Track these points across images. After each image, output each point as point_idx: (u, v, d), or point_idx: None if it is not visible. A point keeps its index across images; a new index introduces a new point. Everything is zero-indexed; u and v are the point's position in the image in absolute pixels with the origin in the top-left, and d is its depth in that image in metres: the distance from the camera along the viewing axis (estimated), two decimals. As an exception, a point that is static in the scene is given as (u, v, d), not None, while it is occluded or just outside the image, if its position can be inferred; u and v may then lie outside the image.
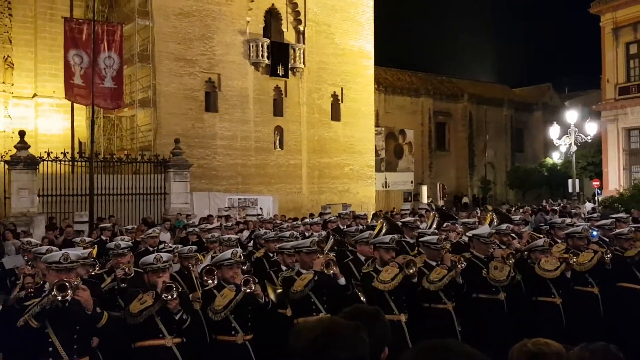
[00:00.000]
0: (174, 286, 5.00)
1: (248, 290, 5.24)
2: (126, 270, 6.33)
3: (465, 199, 38.49)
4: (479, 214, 15.48)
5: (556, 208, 21.83)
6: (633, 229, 8.02)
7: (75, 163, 19.77)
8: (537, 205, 26.30)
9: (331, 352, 1.83)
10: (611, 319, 7.01)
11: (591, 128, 24.02)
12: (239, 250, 6.11)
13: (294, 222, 13.47)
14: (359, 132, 29.63)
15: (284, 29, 27.36)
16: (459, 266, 6.19)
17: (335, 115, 28.91)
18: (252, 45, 25.96)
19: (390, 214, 19.79)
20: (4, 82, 23.99)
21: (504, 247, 7.61)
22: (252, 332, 5.49)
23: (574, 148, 23.43)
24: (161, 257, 5.41)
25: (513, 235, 8.60)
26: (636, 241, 7.64)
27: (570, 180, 25.16)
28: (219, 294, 5.39)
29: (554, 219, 10.77)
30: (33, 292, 4.85)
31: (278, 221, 14.07)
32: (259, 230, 11.57)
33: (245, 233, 13.63)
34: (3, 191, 18.10)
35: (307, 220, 13.72)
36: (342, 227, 12.04)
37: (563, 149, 25.40)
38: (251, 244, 11.25)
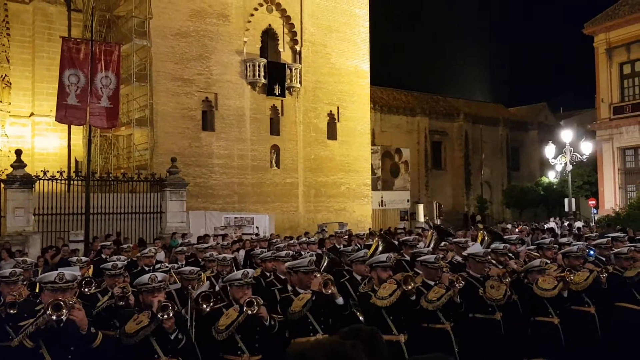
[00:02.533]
0: (169, 305, 4.97)
1: (250, 312, 5.20)
2: (123, 288, 6.27)
3: (478, 217, 38.43)
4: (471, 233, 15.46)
5: (552, 226, 21.84)
6: (633, 248, 8.01)
7: (72, 182, 19.75)
8: (537, 223, 26.28)
9: None
10: (609, 339, 6.98)
11: (586, 147, 24.17)
12: (251, 271, 6.07)
13: (290, 241, 13.43)
14: (355, 150, 29.73)
15: (281, 49, 27.61)
16: (457, 285, 6.17)
17: (332, 134, 29.04)
18: (249, 65, 26.16)
19: (386, 232, 19.77)
20: (1, 101, 24.07)
21: (501, 266, 7.58)
22: (259, 354, 5.42)
23: (569, 167, 23.55)
24: (156, 277, 5.37)
25: (510, 255, 8.58)
26: (636, 261, 7.63)
27: (566, 199, 25.22)
28: (224, 313, 5.36)
29: (542, 240, 10.73)
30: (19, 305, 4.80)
31: (274, 240, 14.01)
32: (256, 249, 11.52)
33: (242, 252, 13.58)
34: (-1, 210, 18.02)
35: (303, 239, 13.69)
36: (338, 246, 12.01)
37: (559, 168, 25.54)
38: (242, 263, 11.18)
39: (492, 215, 42.18)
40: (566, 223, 23.33)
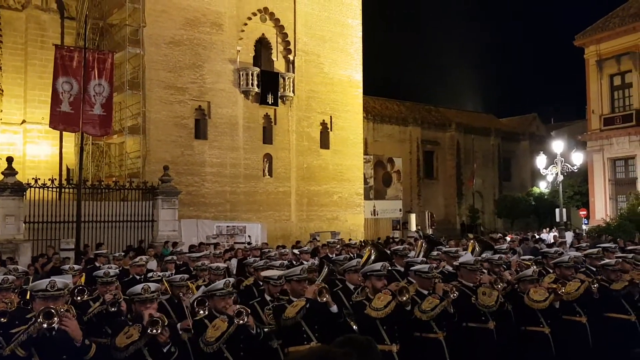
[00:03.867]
0: (159, 321, 4.92)
1: (241, 322, 5.20)
2: (115, 295, 6.25)
3: (480, 226, 38.55)
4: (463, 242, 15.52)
5: (543, 237, 21.94)
6: (620, 260, 8.08)
7: (63, 190, 19.64)
8: (530, 233, 26.40)
9: None
10: (599, 349, 7.02)
11: (577, 158, 24.36)
12: (232, 280, 6.08)
13: (283, 250, 13.41)
14: (348, 160, 29.80)
15: (274, 58, 27.70)
16: (452, 295, 6.19)
17: (325, 143, 29.10)
18: (242, 74, 26.22)
19: (380, 241, 19.79)
20: (-8, 108, 23.94)
21: (495, 276, 7.62)
22: None
23: (560, 178, 23.71)
24: (149, 287, 5.33)
25: (504, 266, 8.63)
26: (624, 273, 7.69)
27: (557, 210, 25.38)
28: (210, 324, 5.33)
29: (544, 249, 10.82)
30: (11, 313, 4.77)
31: (266, 249, 13.99)
32: (248, 258, 11.50)
33: (234, 261, 13.53)
34: (-11, 218, 17.85)
35: (304, 247, 13.67)
36: (330, 256, 12.01)
37: (550, 178, 25.69)
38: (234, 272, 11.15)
39: (483, 225, 42.33)
40: (570, 233, 23.43)
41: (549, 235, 24.81)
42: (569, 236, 22.55)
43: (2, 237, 16.92)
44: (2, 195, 17.21)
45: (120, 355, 4.85)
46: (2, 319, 5.24)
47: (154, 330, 4.82)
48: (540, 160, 24.64)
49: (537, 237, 22.36)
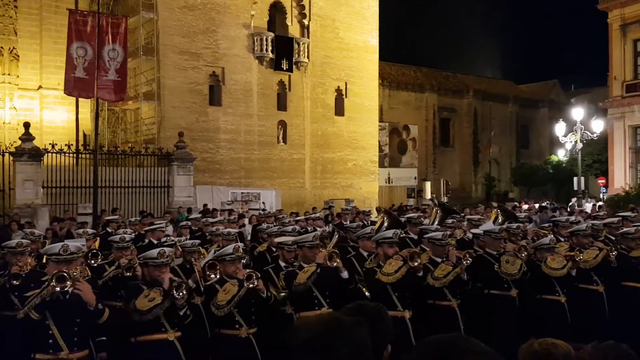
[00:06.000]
0: (183, 284, 4.98)
1: (251, 286, 5.22)
2: (130, 260, 6.30)
3: (511, 194, 38.20)
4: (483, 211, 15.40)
5: (564, 206, 21.52)
6: (640, 228, 7.92)
7: (80, 155, 19.77)
8: (547, 201, 26.00)
9: (332, 347, 1.78)
10: (616, 318, 6.95)
11: (597, 125, 23.85)
12: (241, 245, 6.09)
13: (296, 217, 13.42)
14: (363, 127, 29.53)
15: (289, 23, 27.25)
16: (464, 262, 6.14)
17: (339, 110, 28.82)
18: (257, 39, 25.87)
19: (395, 209, 19.73)
20: (9, 74, 23.98)
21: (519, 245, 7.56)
22: (255, 326, 5.48)
23: (579, 145, 23.28)
24: (165, 252, 5.36)
25: (522, 235, 8.54)
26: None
27: (575, 178, 25.02)
28: (221, 288, 5.36)
29: (558, 217, 10.68)
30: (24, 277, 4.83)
31: (280, 216, 14.02)
32: (261, 224, 11.53)
33: (249, 227, 13.60)
34: (8, 182, 18.12)
35: (309, 215, 13.67)
36: (344, 223, 11.98)
37: (569, 146, 25.22)
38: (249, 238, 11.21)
39: (499, 193, 42.03)
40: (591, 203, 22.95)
41: (588, 205, 23.66)
42: (588, 206, 22.22)
43: (21, 202, 17.18)
44: (20, 160, 17.40)
45: (143, 318, 4.90)
46: (15, 282, 5.31)
47: (180, 294, 4.86)
48: (559, 128, 24.17)
49: (571, 204, 21.60)
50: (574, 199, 25.82)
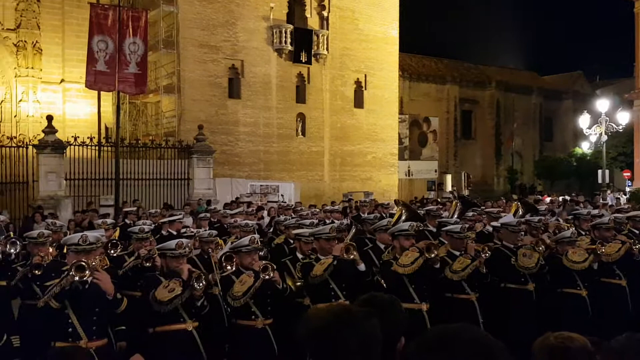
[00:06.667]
0: (202, 275, 5.03)
1: (267, 277, 5.23)
2: (150, 251, 6.35)
3: (539, 187, 37.61)
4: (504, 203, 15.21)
5: (589, 199, 21.08)
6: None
7: (102, 148, 20.05)
8: (574, 194, 25.44)
9: (340, 337, 1.76)
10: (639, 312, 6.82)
11: (623, 117, 23.38)
12: (257, 236, 6.10)
13: (313, 209, 13.41)
14: (382, 119, 29.35)
15: (308, 15, 27.15)
16: (483, 256, 6.06)
17: (359, 102, 28.68)
18: (276, 32, 25.85)
19: (415, 201, 19.60)
20: (32, 68, 24.35)
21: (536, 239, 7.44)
22: (271, 317, 5.49)
23: (604, 138, 22.85)
24: (182, 243, 5.41)
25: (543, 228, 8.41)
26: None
27: (600, 171, 24.56)
28: (237, 280, 5.38)
29: (579, 210, 10.47)
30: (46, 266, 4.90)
31: (298, 208, 14.03)
32: (279, 216, 11.56)
33: (267, 219, 13.65)
34: (32, 174, 18.45)
35: (327, 207, 13.66)
36: (362, 215, 11.94)
37: (593, 138, 24.77)
38: (271, 230, 11.23)
39: (526, 186, 41.47)
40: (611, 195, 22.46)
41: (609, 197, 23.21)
42: (610, 198, 21.80)
43: (44, 193, 17.49)
44: (43, 153, 17.70)
45: (163, 309, 4.95)
46: (37, 272, 5.40)
47: (199, 285, 4.90)
48: (584, 120, 23.75)
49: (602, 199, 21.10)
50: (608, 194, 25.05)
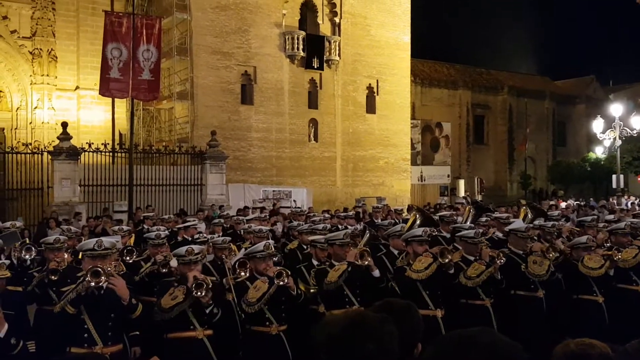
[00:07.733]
0: (204, 284, 4.94)
1: (281, 283, 5.22)
2: (166, 256, 6.37)
3: (561, 192, 37.23)
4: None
5: (605, 204, 20.87)
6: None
7: (116, 154, 20.21)
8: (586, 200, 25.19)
9: (356, 343, 1.76)
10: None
11: (637, 122, 23.14)
12: (272, 242, 6.09)
13: (325, 215, 13.39)
14: (395, 124, 29.32)
15: (320, 21, 27.25)
16: (498, 262, 6.00)
17: (371, 107, 28.68)
18: (288, 38, 25.97)
19: (429, 207, 19.49)
20: (47, 75, 24.65)
21: (546, 244, 7.35)
22: (286, 323, 5.48)
23: (618, 142, 22.65)
24: (193, 249, 5.37)
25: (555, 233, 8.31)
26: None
27: (614, 176, 24.30)
28: (251, 286, 5.38)
29: (584, 217, 10.34)
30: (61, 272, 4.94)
31: (311, 214, 14.02)
32: (292, 222, 11.55)
33: (280, 225, 13.65)
34: (47, 180, 18.64)
35: (340, 214, 13.64)
36: (375, 221, 11.91)
37: (607, 143, 24.55)
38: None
39: (546, 192, 41.12)
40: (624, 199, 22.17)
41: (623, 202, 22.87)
42: (625, 203, 21.53)
43: (59, 200, 17.65)
44: (58, 159, 17.88)
45: (166, 316, 4.94)
46: (53, 277, 5.45)
47: (199, 293, 4.88)
48: (597, 125, 23.56)
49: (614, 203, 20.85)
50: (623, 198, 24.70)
